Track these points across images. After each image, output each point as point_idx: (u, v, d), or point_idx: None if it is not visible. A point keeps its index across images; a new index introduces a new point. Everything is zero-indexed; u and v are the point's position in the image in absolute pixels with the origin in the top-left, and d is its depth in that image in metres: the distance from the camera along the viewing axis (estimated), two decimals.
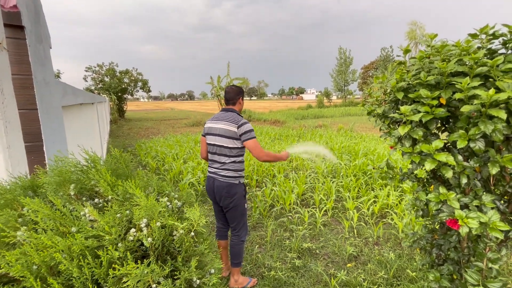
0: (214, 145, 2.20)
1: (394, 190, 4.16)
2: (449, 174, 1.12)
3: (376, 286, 2.35)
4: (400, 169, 1.53)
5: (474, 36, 1.28)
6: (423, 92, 1.22)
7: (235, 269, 2.38)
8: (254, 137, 2.12)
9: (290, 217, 3.64)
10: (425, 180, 1.48)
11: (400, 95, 1.32)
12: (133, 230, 0.62)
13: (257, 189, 4.64)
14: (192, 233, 0.75)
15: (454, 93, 1.17)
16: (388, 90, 1.57)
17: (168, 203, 0.84)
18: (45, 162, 1.31)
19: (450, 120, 1.27)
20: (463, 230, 1.16)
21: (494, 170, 1.10)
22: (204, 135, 2.30)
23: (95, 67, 18.82)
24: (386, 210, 3.77)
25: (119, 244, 0.58)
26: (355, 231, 3.31)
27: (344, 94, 41.61)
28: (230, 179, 2.18)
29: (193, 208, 0.82)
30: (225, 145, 2.14)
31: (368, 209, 3.72)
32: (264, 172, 5.25)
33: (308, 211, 3.68)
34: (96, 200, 0.76)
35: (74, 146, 2.10)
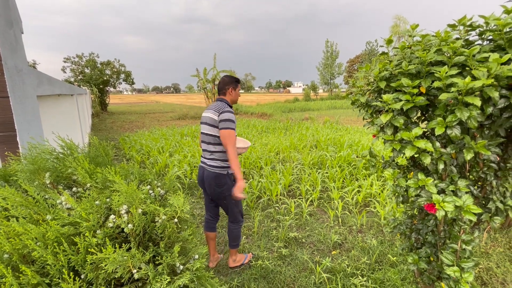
0: (203, 133, 2.21)
1: (377, 180, 4.29)
2: (427, 160, 1.16)
3: (359, 271, 2.43)
4: (382, 157, 1.57)
5: (453, 26, 1.32)
6: (404, 81, 1.24)
7: (232, 250, 2.45)
8: (232, 129, 2.02)
9: (277, 208, 3.68)
10: (405, 167, 1.53)
11: (382, 84, 1.34)
12: (112, 216, 0.60)
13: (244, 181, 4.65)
14: (176, 220, 0.74)
15: (433, 82, 1.21)
16: (372, 80, 1.60)
17: (151, 191, 0.82)
18: (18, 151, 1.25)
19: (429, 109, 1.31)
20: (440, 214, 1.22)
21: (469, 156, 1.15)
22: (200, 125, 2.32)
23: (74, 58, 17.99)
24: (369, 199, 3.89)
25: (98, 231, 0.56)
26: (340, 220, 3.40)
27: (330, 87, 42.08)
28: (217, 169, 2.17)
29: (176, 195, 0.80)
30: (210, 133, 2.13)
31: (352, 199, 3.82)
32: (252, 164, 5.26)
33: (294, 202, 3.73)
34: (75, 189, 0.73)
35: (51, 139, 2.02)
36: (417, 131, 1.15)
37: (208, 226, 2.45)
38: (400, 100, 1.24)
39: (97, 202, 0.63)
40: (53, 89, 2.29)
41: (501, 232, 2.94)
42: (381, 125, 1.41)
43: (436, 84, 1.14)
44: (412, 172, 1.41)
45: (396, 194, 1.49)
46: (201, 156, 2.29)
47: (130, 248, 0.59)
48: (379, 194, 3.89)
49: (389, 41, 1.50)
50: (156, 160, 5.45)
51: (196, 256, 0.70)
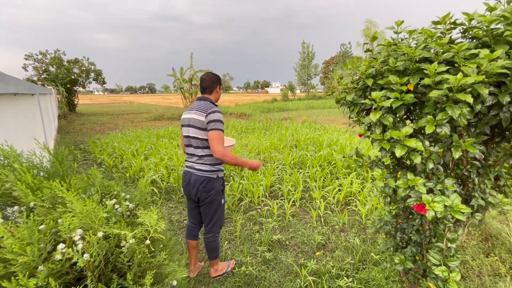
0: (188, 137, 2.04)
1: (357, 178, 4.35)
2: (417, 159, 1.12)
3: (344, 271, 2.41)
4: (368, 157, 1.53)
5: (436, 23, 1.30)
6: (392, 78, 1.20)
7: (213, 261, 2.32)
8: (221, 130, 1.93)
9: (259, 210, 3.60)
10: (391, 167, 1.50)
11: (369, 82, 1.30)
12: (61, 245, 0.47)
13: (225, 183, 4.51)
14: (148, 242, 0.61)
15: (421, 79, 1.18)
16: (357, 77, 1.56)
17: (117, 206, 0.68)
18: None
19: (415, 107, 1.28)
20: (430, 214, 1.19)
21: (457, 154, 1.13)
22: (181, 127, 2.15)
23: (38, 55, 16.66)
24: (350, 197, 3.93)
25: (40, 267, 0.43)
26: (322, 219, 3.38)
27: (307, 88, 42.91)
28: (207, 173, 2.05)
29: (149, 210, 0.67)
30: (198, 136, 1.99)
31: (333, 198, 3.83)
32: (232, 166, 5.12)
33: (276, 203, 3.67)
34: (16, 207, 0.58)
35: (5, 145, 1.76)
36: (408, 130, 1.11)
37: (190, 234, 2.30)
38: (389, 98, 1.20)
39: (41, 227, 0.49)
40: (5, 87, 2.02)
41: (474, 226, 3.08)
42: (369, 124, 1.37)
43: (426, 81, 1.10)
44: (400, 172, 1.38)
45: (384, 194, 1.46)
46: (186, 161, 2.13)
47: (86, 287, 0.46)
48: (359, 192, 3.94)
49: (374, 38, 1.46)
50: (130, 164, 5.14)
51: (174, 283, 0.58)
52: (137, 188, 4.10)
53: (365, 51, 1.54)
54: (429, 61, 1.20)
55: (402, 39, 1.37)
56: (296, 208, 3.69)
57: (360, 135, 1.56)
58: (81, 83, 17.81)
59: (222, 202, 2.19)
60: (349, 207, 3.66)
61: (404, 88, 1.15)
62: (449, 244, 1.47)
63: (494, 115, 1.08)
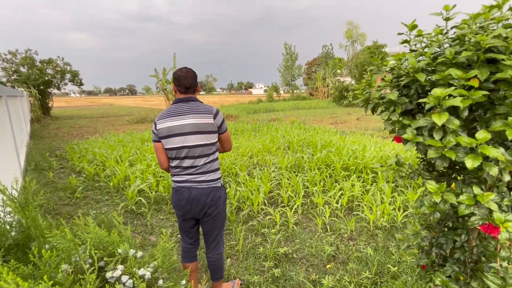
0: (184, 147, 1.70)
1: (358, 181, 4.20)
2: (494, 171, 0.91)
3: (362, 287, 2.20)
4: (409, 165, 1.31)
5: (492, 7, 1.10)
6: (454, 71, 0.99)
7: (216, 283, 2.04)
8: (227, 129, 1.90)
9: (260, 220, 3.33)
10: (439, 176, 1.30)
11: (421, 77, 1.08)
12: None
13: None
14: None
15: (492, 73, 0.97)
16: (385, 75, 1.34)
17: (125, 278, 0.41)
18: None
19: (477, 108, 1.08)
20: (503, 236, 0.98)
21: None
22: (158, 140, 1.74)
23: (6, 55, 15.43)
24: (352, 202, 3.76)
25: None
26: (328, 227, 3.17)
27: (291, 88, 43.12)
28: (213, 183, 1.80)
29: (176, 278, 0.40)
30: (202, 142, 1.72)
31: (337, 202, 3.65)
32: (226, 171, 4.83)
33: (278, 211, 3.42)
34: None
35: None
36: (484, 135, 0.89)
37: (188, 256, 2.00)
38: (451, 96, 0.98)
39: None
40: None
41: None
42: (418, 128, 1.15)
43: (501, 75, 0.89)
44: (454, 184, 1.17)
45: (430, 208, 1.24)
46: (178, 175, 1.78)
47: None
48: (362, 194, 3.78)
49: (413, 27, 1.25)
50: (113, 171, 4.70)
51: None
52: (128, 198, 3.69)
53: (402, 43, 1.32)
54: (498, 51, 1.00)
55: (452, 27, 1.16)
56: (298, 216, 3.46)
57: (398, 139, 1.35)
58: (56, 84, 16.72)
59: (226, 212, 2.02)
60: (354, 213, 3.49)
61: (476, 83, 0.94)
62: (504, 264, 1.28)
63: None
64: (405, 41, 1.31)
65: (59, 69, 16.49)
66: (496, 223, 0.97)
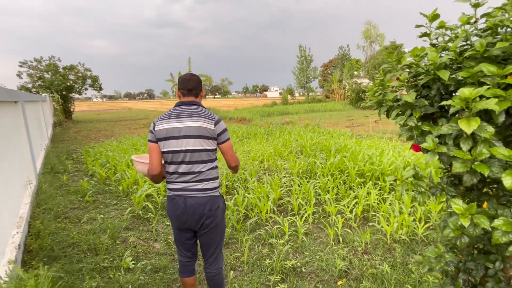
0: (181, 151, 1.61)
1: (374, 188, 3.94)
2: None
3: None
4: (430, 178, 1.12)
5: None
6: (486, 67, 0.80)
7: None
8: (229, 138, 1.76)
9: (267, 229, 3.17)
10: (464, 193, 1.10)
11: (444, 74, 0.90)
12: None
13: (227, 196, 4.10)
14: None
15: None
16: (413, 72, 1.16)
17: None
18: None
19: (511, 112, 0.88)
20: None
21: None
22: (155, 141, 1.66)
23: (32, 62, 16.30)
24: (368, 211, 3.51)
25: None
26: (341, 239, 2.96)
27: (306, 91, 42.59)
28: (211, 192, 1.69)
29: None
30: (202, 147, 1.62)
31: (350, 212, 3.42)
32: (235, 176, 4.71)
33: (287, 220, 3.25)
34: None
35: None
36: None
37: (186, 270, 1.87)
38: (483, 98, 0.80)
39: None
40: None
41: None
42: (440, 136, 0.97)
43: None
44: (486, 203, 0.97)
45: (457, 231, 1.05)
46: (173, 183, 1.69)
47: None
48: (378, 204, 3.53)
49: (435, 17, 1.07)
50: (123, 175, 4.72)
51: None
52: (135, 203, 3.66)
53: (420, 36, 1.14)
54: None
55: (482, 15, 0.98)
56: (309, 225, 3.27)
57: (417, 148, 1.16)
58: (77, 89, 17.43)
59: (225, 223, 1.88)
60: (370, 224, 3.25)
61: (505, 81, 0.75)
62: None
63: None
64: (425, 34, 1.13)
65: (80, 74, 17.19)
66: None
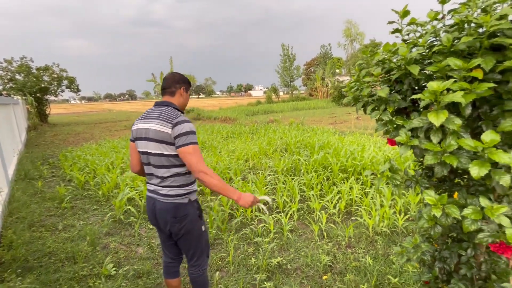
0: (146, 153, 1.58)
1: (356, 183, 4.03)
2: (506, 180, 0.75)
3: None
4: (405, 171, 1.15)
5: None
6: (453, 61, 0.83)
7: None
8: (195, 143, 1.51)
9: (253, 228, 3.16)
10: (439, 184, 1.14)
11: (414, 69, 0.92)
12: None
13: (212, 197, 4.05)
14: None
15: (498, 62, 0.81)
16: (373, 69, 1.18)
17: None
18: None
19: (482, 104, 0.92)
20: None
21: None
22: (133, 140, 1.66)
23: (1, 63, 15.37)
24: (351, 206, 3.59)
25: None
26: (325, 234, 3.00)
27: (290, 89, 42.94)
28: (175, 199, 1.59)
29: None
30: (161, 152, 1.54)
31: (334, 207, 3.47)
32: (220, 176, 4.66)
33: (272, 218, 3.25)
34: None
35: None
36: (492, 137, 0.73)
37: (169, 271, 1.84)
38: (450, 91, 0.82)
39: None
40: None
41: None
42: (412, 129, 0.99)
43: (510, 63, 0.73)
44: (457, 193, 1.01)
45: (430, 221, 1.08)
46: (147, 183, 1.68)
47: None
48: (361, 198, 3.61)
49: (406, 13, 1.09)
50: (103, 179, 4.55)
51: None
52: (116, 208, 3.53)
53: (392, 32, 1.17)
54: (504, 36, 0.84)
55: (449, 11, 1.01)
56: (294, 222, 3.29)
57: (392, 142, 1.19)
58: (53, 91, 16.63)
59: (203, 229, 1.73)
60: (353, 218, 3.32)
61: (479, 74, 0.78)
62: None
63: None
64: (397, 30, 1.15)
65: (55, 75, 16.41)
66: (509, 241, 0.80)
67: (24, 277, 2.38)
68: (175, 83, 1.63)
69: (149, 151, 1.56)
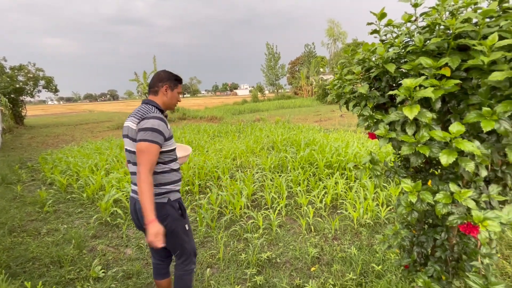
0: (126, 150, 1.60)
1: (341, 178, 4.16)
2: (470, 167, 0.84)
3: None
4: (384, 162, 1.23)
5: None
6: (424, 60, 0.91)
7: None
8: (152, 142, 1.44)
9: (242, 224, 3.21)
10: (414, 173, 1.23)
11: (391, 67, 1.00)
12: None
13: (201, 195, 4.06)
14: None
15: (463, 61, 0.90)
16: (355, 68, 1.26)
17: None
18: None
19: (450, 99, 1.01)
20: (483, 236, 0.92)
21: None
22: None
23: None
24: (336, 200, 3.71)
25: None
26: (312, 228, 3.10)
27: (276, 88, 43.21)
28: (154, 198, 1.55)
29: None
30: (133, 150, 1.55)
31: (321, 202, 3.58)
32: (207, 175, 4.68)
33: (261, 214, 3.31)
34: None
35: None
36: (459, 128, 0.82)
37: (158, 273, 1.84)
38: (422, 87, 0.90)
39: None
40: None
41: None
42: (391, 122, 1.07)
43: (474, 61, 0.82)
44: (430, 181, 1.10)
45: (407, 208, 1.17)
46: (132, 183, 1.68)
47: None
48: (346, 193, 3.74)
49: (383, 15, 1.17)
50: (87, 181, 4.44)
51: None
52: (101, 210, 3.47)
53: (371, 33, 1.25)
54: (469, 37, 0.93)
55: (421, 14, 1.09)
56: (282, 217, 3.37)
57: (372, 135, 1.27)
58: (29, 92, 15.89)
59: (187, 228, 1.71)
60: (338, 211, 3.43)
61: (448, 72, 0.86)
62: (486, 261, 1.23)
63: None
64: (375, 31, 1.23)
65: (31, 75, 15.68)
66: (475, 222, 0.90)
67: (7, 284, 2.31)
68: (158, 82, 1.61)
69: (127, 148, 1.57)
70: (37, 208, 3.92)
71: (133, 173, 1.61)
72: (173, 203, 1.63)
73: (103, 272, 2.49)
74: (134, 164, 1.56)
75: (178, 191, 1.68)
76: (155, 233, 1.42)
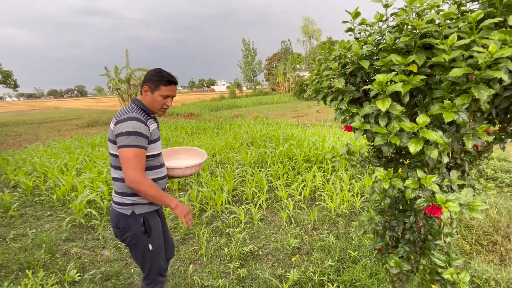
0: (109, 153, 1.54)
1: (319, 171, 4.32)
2: (435, 154, 0.93)
3: (326, 276, 2.24)
4: (360, 153, 1.32)
5: None
6: (395, 57, 0.99)
7: None
8: (137, 146, 1.36)
9: (224, 220, 3.23)
10: (387, 162, 1.33)
11: (365, 64, 1.06)
12: None
13: (181, 193, 4.00)
14: None
15: (427, 58, 0.99)
16: (332, 64, 1.33)
17: None
18: None
19: (417, 93, 1.10)
20: (445, 216, 1.02)
21: (470, 144, 0.98)
22: None
23: None
24: (315, 192, 3.85)
25: None
26: (292, 219, 3.20)
27: (253, 84, 43.27)
28: (119, 207, 1.50)
29: None
30: (111, 152, 1.47)
31: (300, 194, 3.70)
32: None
33: (242, 209, 3.35)
34: None
35: None
36: (425, 119, 0.90)
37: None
38: (393, 82, 0.98)
39: None
40: None
41: None
42: (366, 115, 1.15)
43: (437, 59, 0.91)
44: (400, 169, 1.19)
45: (381, 195, 1.26)
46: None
47: None
48: (323, 185, 3.89)
49: (357, 14, 1.24)
50: (56, 183, 4.19)
51: None
52: (75, 212, 3.30)
53: (346, 31, 1.31)
54: (433, 37, 1.02)
55: (391, 14, 1.18)
56: (263, 211, 3.43)
57: (348, 128, 1.35)
58: None
59: (150, 248, 1.55)
60: (317, 203, 3.57)
61: (413, 68, 0.94)
62: (448, 240, 1.37)
63: (508, 96, 0.94)
64: (350, 29, 1.30)
65: None
66: (439, 203, 1.00)
67: None
68: (143, 81, 1.52)
69: (108, 150, 1.50)
70: (0, 213, 3.64)
71: (114, 179, 1.51)
72: (137, 218, 1.49)
73: (79, 276, 2.39)
74: (114, 168, 1.48)
75: (149, 204, 1.52)
76: (184, 214, 1.46)
